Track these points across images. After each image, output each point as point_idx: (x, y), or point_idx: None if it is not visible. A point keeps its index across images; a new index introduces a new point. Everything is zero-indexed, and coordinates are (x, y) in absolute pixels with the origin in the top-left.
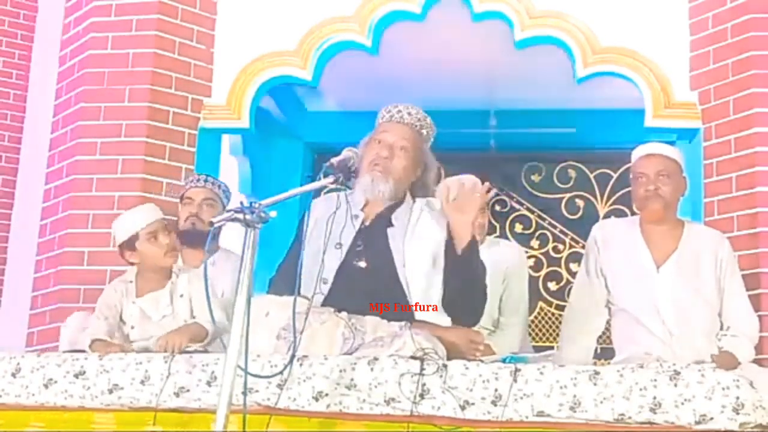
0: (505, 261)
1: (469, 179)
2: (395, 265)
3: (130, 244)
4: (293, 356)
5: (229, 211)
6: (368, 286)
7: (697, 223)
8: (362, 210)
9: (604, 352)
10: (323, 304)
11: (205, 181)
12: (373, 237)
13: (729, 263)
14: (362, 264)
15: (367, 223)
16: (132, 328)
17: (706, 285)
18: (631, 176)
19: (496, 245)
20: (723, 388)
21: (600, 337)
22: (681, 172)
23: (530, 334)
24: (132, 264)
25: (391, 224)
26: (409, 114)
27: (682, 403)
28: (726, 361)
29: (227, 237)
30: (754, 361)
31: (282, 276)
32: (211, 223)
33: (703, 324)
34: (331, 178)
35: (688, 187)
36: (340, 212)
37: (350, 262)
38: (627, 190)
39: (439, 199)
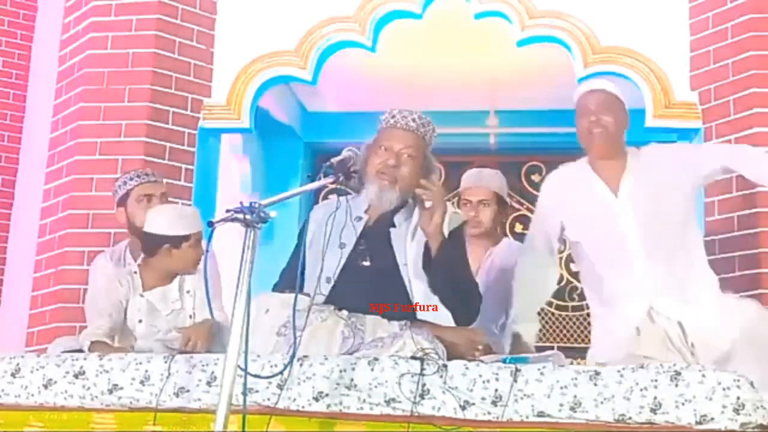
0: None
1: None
2: (398, 265)
3: (175, 242)
4: (293, 356)
5: (229, 211)
6: (371, 285)
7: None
8: (365, 212)
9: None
10: (326, 302)
11: (153, 174)
12: (376, 237)
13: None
14: (366, 263)
15: (370, 224)
16: (139, 321)
17: (670, 202)
18: (575, 115)
19: (511, 247)
20: (724, 389)
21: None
22: (623, 107)
23: None
24: (148, 255)
25: (393, 225)
26: (413, 120)
27: (683, 404)
28: None
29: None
30: None
31: (285, 282)
32: (210, 223)
33: (673, 244)
34: (331, 178)
35: (629, 121)
36: (339, 212)
37: (354, 261)
38: None
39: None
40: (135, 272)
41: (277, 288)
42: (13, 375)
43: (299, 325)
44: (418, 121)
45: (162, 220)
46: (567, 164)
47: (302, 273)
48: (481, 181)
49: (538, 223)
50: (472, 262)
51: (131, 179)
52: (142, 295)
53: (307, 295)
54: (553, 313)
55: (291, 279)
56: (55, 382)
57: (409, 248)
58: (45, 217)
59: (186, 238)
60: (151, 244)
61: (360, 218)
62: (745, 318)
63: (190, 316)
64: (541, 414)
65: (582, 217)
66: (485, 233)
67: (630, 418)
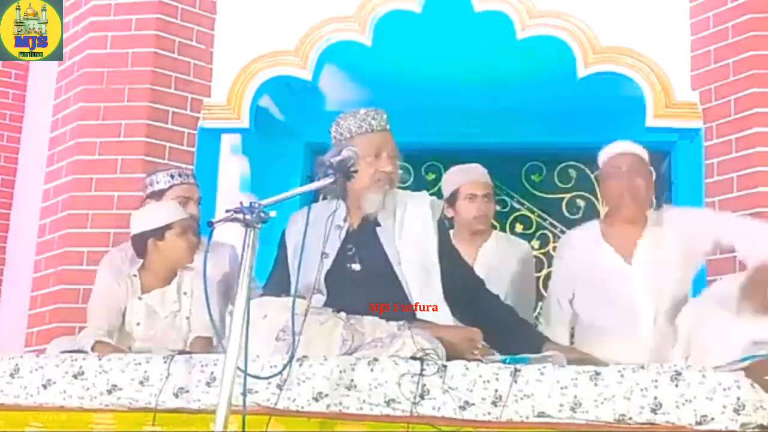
0: (517, 263)
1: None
2: (391, 264)
3: (159, 234)
4: (292, 357)
5: (228, 211)
6: (365, 287)
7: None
8: (345, 220)
9: None
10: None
11: (193, 176)
12: (363, 239)
13: (707, 222)
14: (356, 266)
15: (354, 227)
16: (137, 324)
17: (679, 272)
18: (601, 176)
19: (504, 241)
20: (724, 389)
21: None
22: (650, 170)
23: None
24: (141, 258)
25: (378, 224)
26: (383, 119)
27: (683, 404)
28: None
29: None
30: None
31: (268, 291)
32: (210, 224)
33: (675, 312)
34: (330, 178)
35: (654, 188)
36: (339, 213)
37: (343, 267)
38: None
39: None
40: (134, 275)
41: (265, 293)
42: (12, 375)
43: (297, 329)
44: (385, 118)
45: (139, 218)
46: (578, 230)
47: (293, 276)
48: (483, 175)
49: (555, 289)
50: (465, 258)
51: (172, 177)
52: (140, 298)
53: (304, 298)
54: None
55: (280, 284)
56: (55, 383)
57: (400, 244)
58: (45, 217)
59: (168, 227)
60: (139, 245)
61: (340, 226)
62: None
63: (187, 318)
64: (541, 414)
65: (592, 287)
66: (486, 228)
67: (630, 418)
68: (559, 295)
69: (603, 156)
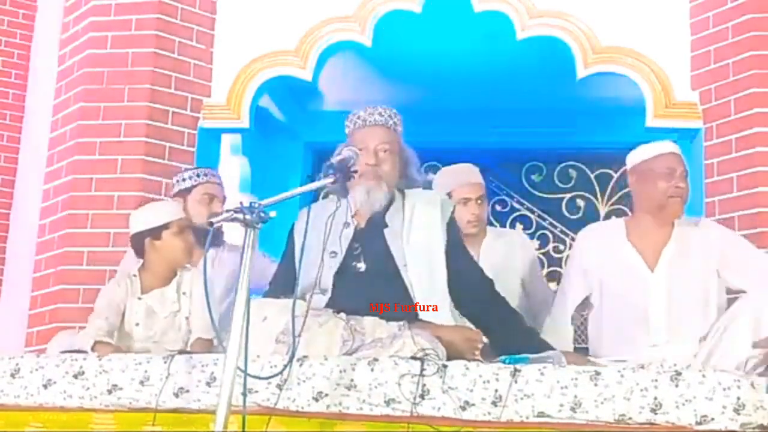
0: (522, 257)
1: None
2: (397, 267)
3: (156, 233)
4: (292, 357)
5: (228, 211)
6: (369, 288)
7: (686, 218)
8: (353, 218)
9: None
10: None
11: (218, 176)
12: (370, 239)
13: (725, 242)
14: (361, 266)
15: (361, 226)
16: (137, 324)
17: (700, 281)
18: (643, 173)
19: (502, 236)
20: (724, 389)
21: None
22: None
23: None
24: (141, 257)
25: (386, 225)
26: (380, 114)
27: (683, 404)
28: None
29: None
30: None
31: (275, 286)
32: (211, 224)
33: (695, 329)
34: (331, 178)
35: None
36: (339, 213)
37: (348, 266)
38: (628, 189)
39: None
40: (134, 276)
41: (269, 293)
42: (12, 375)
43: (297, 330)
44: (385, 114)
45: (137, 218)
46: (599, 224)
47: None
48: (476, 176)
49: (571, 283)
50: None
51: (198, 176)
52: (140, 298)
53: (305, 299)
54: None
55: (283, 284)
56: (55, 383)
57: (408, 247)
58: (45, 217)
59: (165, 227)
60: (137, 245)
61: (348, 224)
62: None
63: (186, 318)
64: (541, 414)
65: (611, 286)
66: (481, 231)
67: (630, 418)
68: (578, 290)
69: (648, 153)
